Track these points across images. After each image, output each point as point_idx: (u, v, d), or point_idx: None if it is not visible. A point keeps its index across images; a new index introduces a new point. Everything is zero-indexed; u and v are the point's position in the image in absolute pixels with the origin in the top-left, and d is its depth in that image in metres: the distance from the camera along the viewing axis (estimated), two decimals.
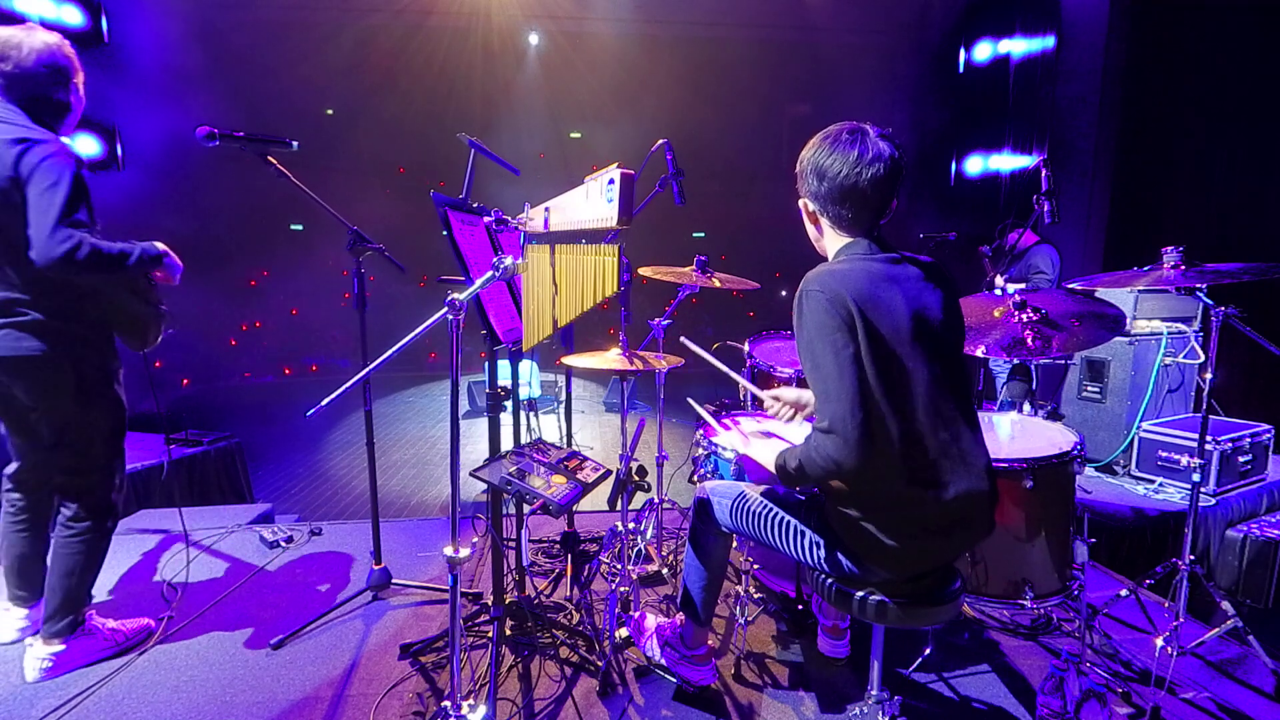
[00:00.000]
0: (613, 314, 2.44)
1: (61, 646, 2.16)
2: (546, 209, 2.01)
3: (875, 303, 1.48)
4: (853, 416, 1.43)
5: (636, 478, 2.07)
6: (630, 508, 2.33)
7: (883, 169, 1.53)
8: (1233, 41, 4.72)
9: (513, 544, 2.53)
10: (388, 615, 2.58)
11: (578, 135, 10.71)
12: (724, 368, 2.33)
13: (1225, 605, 2.29)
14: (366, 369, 1.81)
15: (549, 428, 6.36)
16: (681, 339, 2.37)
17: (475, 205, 2.43)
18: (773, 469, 1.65)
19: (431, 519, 3.69)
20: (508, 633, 2.35)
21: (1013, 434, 2.56)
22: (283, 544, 3.19)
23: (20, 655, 2.18)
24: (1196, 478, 2.24)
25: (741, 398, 3.28)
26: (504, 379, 2.37)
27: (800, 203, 1.69)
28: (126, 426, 2.24)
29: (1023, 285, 3.60)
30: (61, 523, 2.17)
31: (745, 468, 2.29)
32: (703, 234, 10.73)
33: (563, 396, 3.42)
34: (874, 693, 1.72)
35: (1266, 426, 3.59)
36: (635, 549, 2.78)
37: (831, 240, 1.65)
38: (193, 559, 3.04)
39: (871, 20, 8.54)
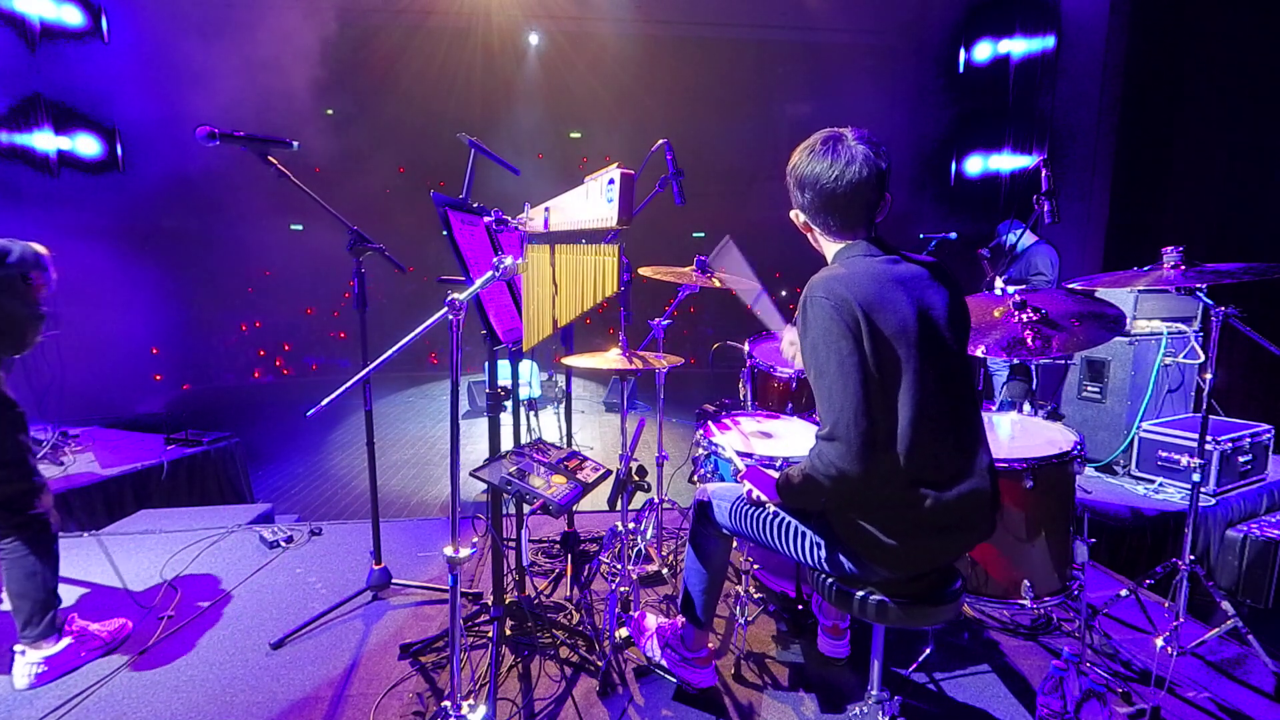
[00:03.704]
0: (613, 314, 2.44)
1: (53, 649, 2.15)
2: (546, 209, 2.01)
3: (881, 304, 1.47)
4: (856, 424, 1.43)
5: (636, 478, 2.07)
6: (630, 508, 2.33)
7: (859, 173, 1.53)
8: (1233, 41, 4.72)
9: (513, 544, 2.53)
10: (388, 615, 2.58)
11: (578, 135, 10.70)
12: (754, 282, 2.29)
13: (1225, 605, 2.29)
14: (366, 369, 1.81)
15: (549, 428, 6.36)
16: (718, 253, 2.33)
17: (475, 205, 2.43)
18: (774, 491, 1.66)
19: (431, 519, 3.69)
20: (508, 633, 2.35)
21: (1013, 434, 2.56)
22: (283, 544, 3.19)
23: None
24: (1196, 478, 2.24)
25: (743, 390, 3.28)
26: (504, 379, 2.37)
27: (791, 214, 1.69)
28: (26, 420, 2.15)
29: (1022, 286, 3.60)
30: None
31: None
32: (703, 234, 10.72)
33: (562, 396, 3.42)
34: (874, 693, 1.72)
35: (1266, 426, 3.58)
36: (635, 549, 2.78)
37: (828, 246, 1.66)
38: (193, 559, 3.04)
39: (871, 20, 8.55)
